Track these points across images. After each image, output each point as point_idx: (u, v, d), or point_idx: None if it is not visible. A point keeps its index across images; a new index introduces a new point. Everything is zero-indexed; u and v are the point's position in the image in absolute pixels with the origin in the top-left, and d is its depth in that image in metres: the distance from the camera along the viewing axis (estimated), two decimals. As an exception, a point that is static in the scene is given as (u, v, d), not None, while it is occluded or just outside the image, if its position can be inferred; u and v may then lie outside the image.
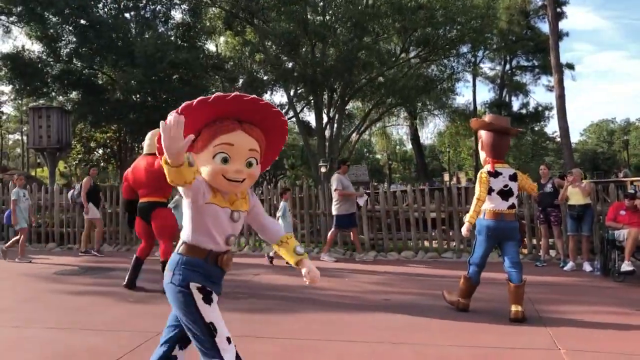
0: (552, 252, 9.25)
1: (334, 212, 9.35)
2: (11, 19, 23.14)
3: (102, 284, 7.08)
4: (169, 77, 20.71)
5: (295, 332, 4.62)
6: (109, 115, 22.58)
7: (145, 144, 6.56)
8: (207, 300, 2.24)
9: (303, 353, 4.09)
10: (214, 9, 24.90)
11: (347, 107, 28.19)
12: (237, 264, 8.75)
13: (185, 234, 2.26)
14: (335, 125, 25.27)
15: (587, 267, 7.96)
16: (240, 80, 26.89)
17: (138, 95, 21.43)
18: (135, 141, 30.70)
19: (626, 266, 6.85)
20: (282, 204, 9.02)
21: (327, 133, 25.62)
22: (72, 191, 11.17)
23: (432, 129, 55.42)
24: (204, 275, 2.25)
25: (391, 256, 9.79)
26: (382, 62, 23.50)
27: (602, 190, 10.75)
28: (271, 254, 8.89)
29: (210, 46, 28.16)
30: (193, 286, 2.22)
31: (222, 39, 29.35)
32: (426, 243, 10.23)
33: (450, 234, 10.26)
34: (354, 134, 30.27)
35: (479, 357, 3.98)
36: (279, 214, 8.90)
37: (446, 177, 48.23)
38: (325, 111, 25.30)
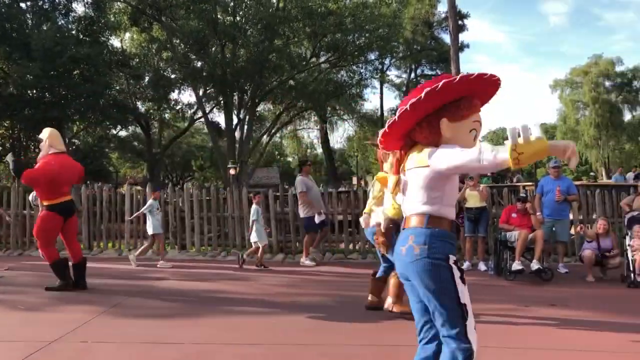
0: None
1: (301, 214, 9.17)
2: None
3: (-12, 292, 6.58)
4: (69, 72, 19.64)
5: (198, 337, 4.52)
6: (1, 111, 21.01)
7: (56, 142, 6.39)
8: (463, 279, 2.23)
9: (205, 358, 4.02)
10: (119, 3, 23.92)
11: (258, 109, 28.07)
12: (140, 268, 8.47)
13: (428, 207, 2.23)
14: (246, 126, 25.06)
15: (482, 266, 8.41)
16: (146, 78, 26.01)
17: (35, 91, 20.14)
18: (31, 139, 28.84)
19: (516, 265, 7.31)
20: (254, 207, 8.91)
21: (237, 134, 25.35)
22: None
23: (341, 134, 56.47)
24: (455, 247, 2.27)
25: (299, 258, 9.84)
26: (292, 65, 23.64)
27: (497, 194, 11.41)
28: (245, 255, 8.78)
29: (115, 42, 26.99)
30: (452, 259, 2.19)
31: (127, 35, 28.22)
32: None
33: (357, 235, 10.45)
34: (264, 136, 30.19)
35: (381, 355, 4.09)
36: (252, 217, 8.79)
37: (355, 180, 49.22)
38: (236, 112, 25.04)
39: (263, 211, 10.27)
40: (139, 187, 21.58)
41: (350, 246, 10.16)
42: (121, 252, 10.34)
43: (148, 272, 8.10)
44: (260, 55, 21.83)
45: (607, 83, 47.45)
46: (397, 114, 2.22)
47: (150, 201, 9.20)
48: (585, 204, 9.83)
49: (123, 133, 33.23)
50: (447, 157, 2.11)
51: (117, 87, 25.44)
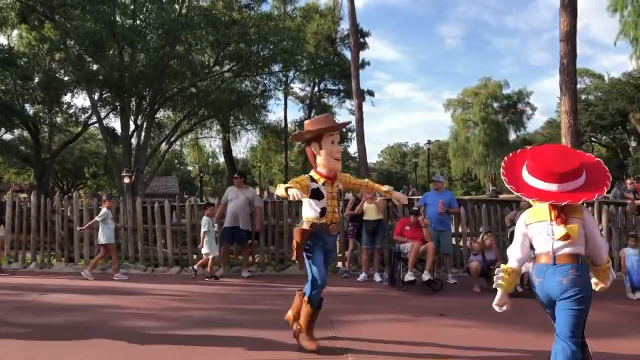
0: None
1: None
2: None
3: None
4: (-56, 68, 18.00)
5: (83, 358, 4.26)
6: None
7: None
8: None
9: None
10: (7, -2, 22.30)
11: (157, 115, 27.14)
12: (20, 283, 7.86)
13: None
14: (143, 133, 24.15)
15: (377, 277, 8.64)
16: (36, 79, 24.37)
17: None
18: None
19: (409, 276, 7.59)
20: (204, 219, 8.76)
21: (134, 141, 24.38)
22: None
23: (245, 143, 55.92)
24: None
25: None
26: (194, 72, 23.15)
27: (393, 206, 11.81)
28: (196, 267, 8.72)
29: (1, 38, 25.12)
30: None
31: (15, 32, 26.32)
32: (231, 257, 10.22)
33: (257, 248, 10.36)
34: (163, 144, 29.25)
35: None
36: (203, 229, 8.64)
37: (257, 191, 48.97)
38: (133, 118, 24.08)
39: (158, 222, 9.97)
40: (24, 195, 20.12)
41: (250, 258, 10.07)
42: (-1, 265, 9.55)
43: (28, 287, 7.53)
44: (160, 60, 21.19)
45: (495, 104, 50.93)
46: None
47: (103, 209, 8.75)
48: (472, 217, 10.42)
49: (8, 136, 30.82)
50: None
51: (2, 87, 23.64)
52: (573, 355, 3.05)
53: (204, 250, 8.67)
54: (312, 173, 4.65)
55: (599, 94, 44.29)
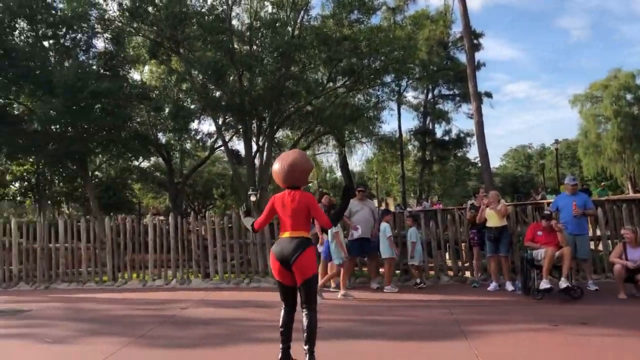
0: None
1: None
2: None
3: (14, 325, 6.61)
4: (90, 107, 19.99)
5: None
6: (26, 147, 21.46)
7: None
8: None
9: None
10: (138, 37, 24.44)
11: (277, 135, 28.25)
12: (164, 299, 8.48)
13: None
14: (265, 153, 25.21)
15: (509, 286, 8.25)
16: (167, 109, 26.40)
17: (57, 126, 20.54)
18: (55, 173, 29.38)
19: (544, 284, 7.15)
20: (412, 229, 9.08)
21: (256, 161, 25.50)
22: None
23: (360, 156, 56.49)
24: None
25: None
26: (309, 91, 23.78)
27: (521, 212, 11.23)
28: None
29: (135, 75, 27.54)
30: None
31: (146, 67, 28.78)
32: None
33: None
34: (283, 162, 30.27)
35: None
36: (412, 239, 9.00)
37: (375, 203, 49.08)
38: (255, 139, 25.23)
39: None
40: (161, 217, 21.76)
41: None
42: (145, 283, 10.38)
43: (171, 302, 8.10)
44: (277, 82, 22.02)
45: (628, 96, 46.84)
46: None
47: (383, 224, 8.87)
48: (612, 219, 9.61)
49: (145, 164, 33.72)
50: None
51: (138, 119, 25.83)
52: None
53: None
54: None
55: None
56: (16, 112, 22.96)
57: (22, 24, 21.29)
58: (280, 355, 4.26)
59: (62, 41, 22.30)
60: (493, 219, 8.40)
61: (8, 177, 29.50)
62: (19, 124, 21.63)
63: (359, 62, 23.46)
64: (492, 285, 8.38)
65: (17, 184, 30.72)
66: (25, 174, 29.28)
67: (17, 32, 21.46)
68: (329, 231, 8.08)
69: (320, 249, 8.35)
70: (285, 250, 4.22)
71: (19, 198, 31.30)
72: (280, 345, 4.28)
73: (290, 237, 4.25)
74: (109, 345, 5.26)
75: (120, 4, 21.97)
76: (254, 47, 23.13)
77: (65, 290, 10.08)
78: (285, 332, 4.31)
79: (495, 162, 76.36)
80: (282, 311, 4.36)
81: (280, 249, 4.26)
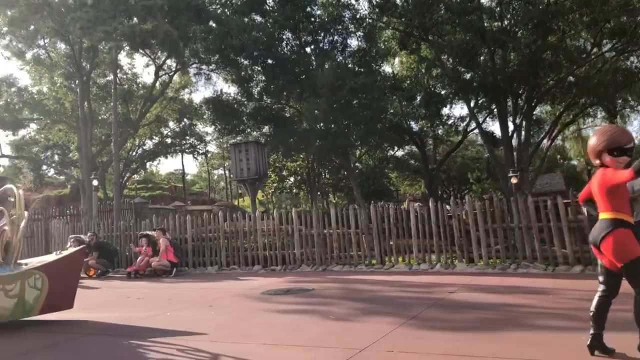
0: None
1: None
2: (210, 67, 26.13)
3: (302, 302, 7.44)
4: (349, 103, 21.47)
5: (499, 351, 4.36)
6: (298, 145, 24.15)
7: None
8: None
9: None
10: (387, 31, 25.33)
11: (535, 112, 26.44)
12: (431, 282, 8.65)
13: None
14: (523, 132, 23.82)
15: None
16: (418, 98, 26.87)
17: (322, 124, 22.53)
18: (322, 167, 32.35)
19: None
20: None
21: (514, 142, 24.29)
22: None
23: (637, 127, 49.62)
24: None
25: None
26: (571, 60, 21.68)
27: None
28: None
29: (386, 68, 28.65)
30: None
31: (396, 59, 29.67)
32: None
33: None
34: (544, 141, 28.23)
35: None
36: None
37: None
38: (511, 119, 24.02)
39: (553, 220, 9.61)
40: (418, 203, 22.28)
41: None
42: (411, 266, 10.73)
43: (438, 286, 8.21)
44: (533, 55, 20.59)
45: None
46: None
47: None
48: None
49: (400, 153, 34.91)
50: None
51: (392, 111, 26.84)
52: None
53: None
54: None
55: None
56: (288, 115, 25.98)
57: (288, 34, 23.92)
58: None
59: (321, 45, 24.38)
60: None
61: (285, 173, 33.50)
62: (291, 125, 24.42)
63: (630, 19, 20.54)
64: None
65: (292, 178, 34.74)
66: (298, 168, 32.90)
67: (284, 43, 24.18)
68: None
69: None
70: (594, 232, 4.00)
71: (294, 190, 35.29)
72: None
73: (599, 220, 4.00)
74: (385, 324, 5.56)
75: (370, 2, 23.02)
76: (506, 22, 22.01)
77: (339, 272, 11.02)
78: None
79: None
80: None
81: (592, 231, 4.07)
